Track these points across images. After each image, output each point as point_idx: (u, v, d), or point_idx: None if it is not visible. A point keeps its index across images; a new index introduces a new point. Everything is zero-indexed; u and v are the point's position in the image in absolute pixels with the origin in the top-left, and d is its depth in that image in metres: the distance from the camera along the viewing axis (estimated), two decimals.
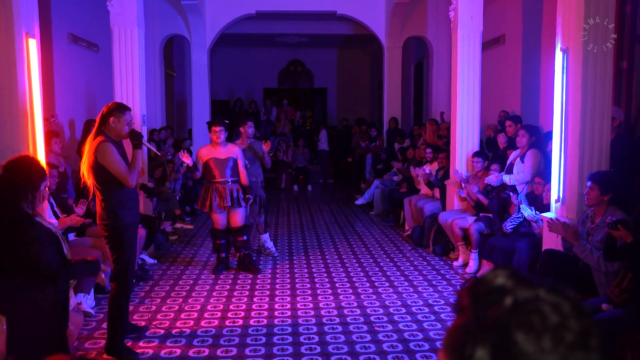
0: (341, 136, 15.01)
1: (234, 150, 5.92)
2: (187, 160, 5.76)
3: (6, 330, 1.80)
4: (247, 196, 5.94)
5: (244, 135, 6.48)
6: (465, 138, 7.04)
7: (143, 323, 4.48)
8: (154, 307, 4.86)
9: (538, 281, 0.73)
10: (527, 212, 5.12)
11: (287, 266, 6.31)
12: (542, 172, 5.59)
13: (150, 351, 3.97)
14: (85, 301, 4.63)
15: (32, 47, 4.48)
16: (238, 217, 5.97)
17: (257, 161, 6.52)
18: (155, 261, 6.39)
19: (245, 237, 6.02)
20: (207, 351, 3.97)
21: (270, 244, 6.80)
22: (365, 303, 4.99)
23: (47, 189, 3.07)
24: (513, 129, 6.68)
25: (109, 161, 3.73)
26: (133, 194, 3.97)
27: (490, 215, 6.00)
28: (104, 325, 4.42)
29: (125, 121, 3.87)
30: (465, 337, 0.71)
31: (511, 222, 5.45)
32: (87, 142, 3.84)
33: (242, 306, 4.93)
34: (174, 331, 4.34)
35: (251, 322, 4.54)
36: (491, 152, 7.50)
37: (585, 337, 0.69)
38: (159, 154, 4.85)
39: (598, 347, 0.69)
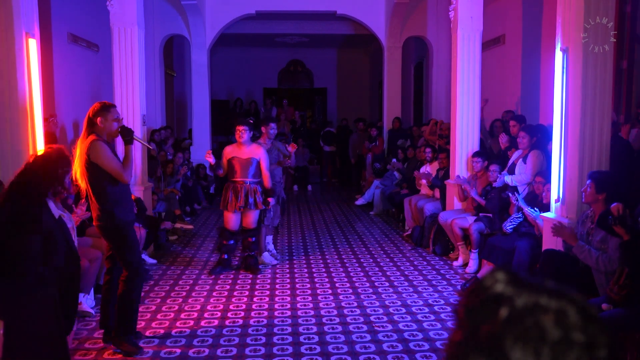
0: (340, 135, 14.97)
1: (257, 152, 5.87)
2: (210, 158, 5.78)
3: (2, 335, 1.80)
4: (268, 199, 5.92)
5: (266, 136, 6.45)
6: (465, 138, 7.03)
7: (142, 324, 4.47)
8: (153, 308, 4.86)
9: (540, 285, 0.66)
10: (530, 210, 5.11)
11: (287, 266, 6.31)
12: (544, 172, 5.58)
13: (150, 351, 3.97)
14: (85, 301, 4.63)
15: (32, 47, 4.49)
16: (251, 219, 5.96)
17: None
18: (155, 261, 6.39)
19: (254, 239, 6.03)
20: (207, 351, 3.97)
21: (271, 247, 6.77)
22: (365, 303, 4.99)
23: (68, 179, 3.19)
24: (517, 129, 6.66)
25: (101, 158, 3.69)
26: (127, 193, 3.94)
27: (490, 215, 6.00)
28: None
29: (112, 118, 3.80)
30: (461, 353, 0.66)
31: (511, 222, 5.45)
32: (77, 145, 3.78)
33: (242, 306, 4.93)
34: (173, 331, 4.34)
35: (251, 322, 4.54)
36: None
37: (591, 349, 0.62)
38: (150, 147, 4.84)
39: (606, 357, 0.63)
